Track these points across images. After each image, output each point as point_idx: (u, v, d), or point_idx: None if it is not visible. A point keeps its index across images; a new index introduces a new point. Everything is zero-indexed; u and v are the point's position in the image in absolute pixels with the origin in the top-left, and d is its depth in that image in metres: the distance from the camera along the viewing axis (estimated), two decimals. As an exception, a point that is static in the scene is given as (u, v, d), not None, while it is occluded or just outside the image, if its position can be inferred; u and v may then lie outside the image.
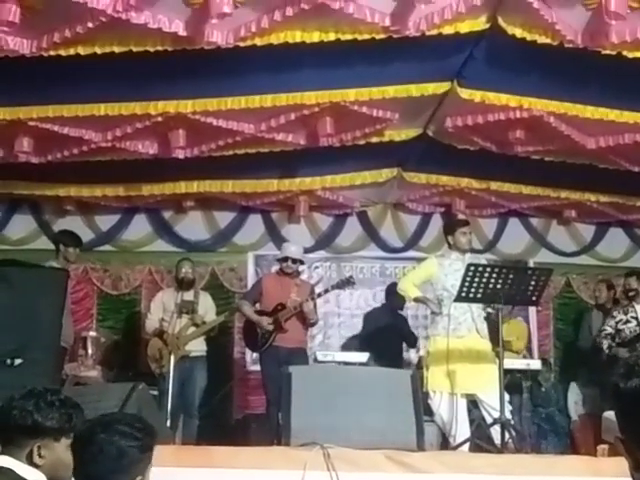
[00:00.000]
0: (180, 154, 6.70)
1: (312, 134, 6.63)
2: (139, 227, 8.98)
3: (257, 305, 7.10)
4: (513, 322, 8.08)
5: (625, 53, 5.10)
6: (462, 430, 5.55)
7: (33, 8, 4.53)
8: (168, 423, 6.08)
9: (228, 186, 8.07)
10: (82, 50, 5.02)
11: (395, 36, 5.01)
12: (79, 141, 6.57)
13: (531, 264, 8.90)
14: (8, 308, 4.67)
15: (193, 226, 9.01)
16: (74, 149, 6.75)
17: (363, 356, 7.24)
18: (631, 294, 7.53)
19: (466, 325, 5.81)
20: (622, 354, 7.24)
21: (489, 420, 5.52)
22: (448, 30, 5.04)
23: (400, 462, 3.88)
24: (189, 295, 7.26)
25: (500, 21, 5.03)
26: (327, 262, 9.18)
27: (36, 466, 2.59)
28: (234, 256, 9.11)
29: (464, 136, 6.84)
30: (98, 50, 5.03)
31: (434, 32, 4.99)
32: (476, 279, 5.33)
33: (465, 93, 5.95)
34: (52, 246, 7.10)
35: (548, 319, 9.34)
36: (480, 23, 5.11)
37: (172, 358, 6.69)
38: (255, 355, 7.71)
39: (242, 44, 4.99)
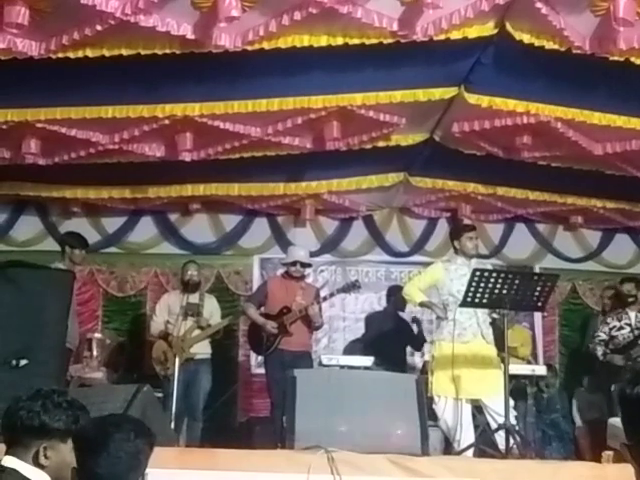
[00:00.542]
0: (187, 157, 6.71)
1: (319, 138, 6.63)
2: (145, 229, 9.00)
3: (262, 308, 7.10)
4: (517, 329, 8.06)
5: (633, 59, 5.10)
6: (467, 435, 5.54)
7: (42, 10, 4.55)
8: (172, 425, 6.08)
9: (234, 189, 8.08)
10: (90, 53, 5.04)
11: (403, 41, 5.01)
12: (86, 143, 6.58)
13: (537, 270, 8.88)
14: (14, 309, 4.68)
15: (199, 229, 9.01)
16: (81, 151, 6.77)
17: (368, 360, 7.23)
18: (630, 300, 7.55)
19: (471, 330, 5.81)
20: (617, 361, 7.27)
21: (494, 426, 5.52)
22: (456, 35, 5.04)
23: (404, 466, 3.88)
24: (194, 298, 7.28)
25: (508, 26, 5.03)
26: (332, 266, 9.18)
27: (42, 467, 2.60)
28: (240, 259, 9.12)
29: (471, 141, 6.84)
30: (106, 53, 5.04)
31: (442, 37, 4.99)
32: (482, 284, 5.32)
33: (472, 98, 5.95)
34: (58, 248, 7.11)
35: (554, 325, 9.32)
36: (488, 28, 5.11)
37: (177, 360, 6.70)
38: (260, 358, 7.72)
39: (250, 48, 5.00)
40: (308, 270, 7.47)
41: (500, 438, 5.32)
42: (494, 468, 4.08)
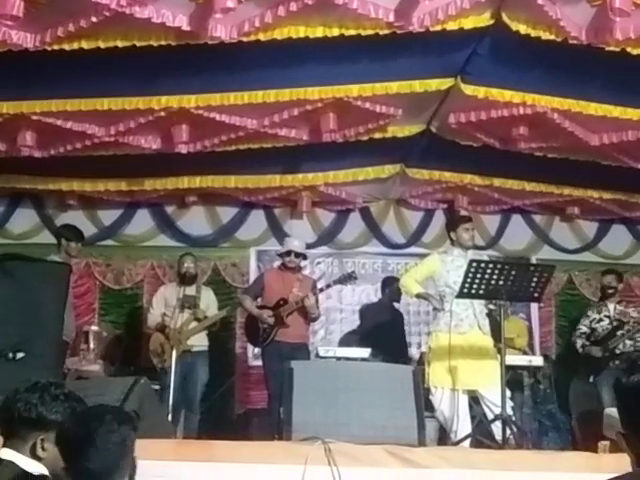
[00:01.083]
0: (183, 149, 6.70)
1: (315, 130, 6.63)
2: (141, 222, 8.99)
3: (259, 300, 7.10)
4: (513, 320, 8.08)
5: (629, 50, 5.09)
6: (463, 426, 5.56)
7: (37, 2, 4.53)
8: (170, 417, 6.09)
9: (231, 181, 8.07)
10: (86, 44, 5.02)
11: (399, 32, 5.00)
12: (82, 135, 6.57)
13: (533, 261, 8.89)
14: (10, 302, 4.68)
15: (195, 221, 9.01)
16: (77, 143, 6.75)
17: (365, 351, 7.24)
18: (609, 291, 7.65)
19: (468, 321, 5.82)
20: (595, 352, 7.40)
21: (490, 416, 5.53)
22: (452, 26, 5.03)
23: (401, 457, 3.89)
24: (191, 290, 7.27)
25: (504, 17, 5.03)
26: (329, 258, 9.18)
27: (39, 459, 2.60)
28: (236, 251, 9.12)
29: (467, 132, 6.84)
30: (102, 44, 5.03)
31: (438, 28, 4.98)
32: (478, 275, 5.33)
33: (469, 89, 5.94)
34: (54, 240, 7.11)
35: (550, 316, 9.34)
36: (484, 19, 5.10)
37: (174, 353, 6.71)
38: (257, 350, 7.73)
39: (246, 39, 4.99)
40: (304, 262, 7.47)
41: (497, 429, 5.34)
42: (491, 458, 4.09)
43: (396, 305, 8.28)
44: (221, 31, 4.83)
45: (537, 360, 7.61)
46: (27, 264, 5.12)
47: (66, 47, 5.02)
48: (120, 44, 5.03)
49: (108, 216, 8.91)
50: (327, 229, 9.17)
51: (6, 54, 4.97)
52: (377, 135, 6.97)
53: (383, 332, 7.82)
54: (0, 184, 8.13)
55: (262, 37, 5.03)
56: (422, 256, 7.10)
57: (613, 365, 7.23)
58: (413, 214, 9.26)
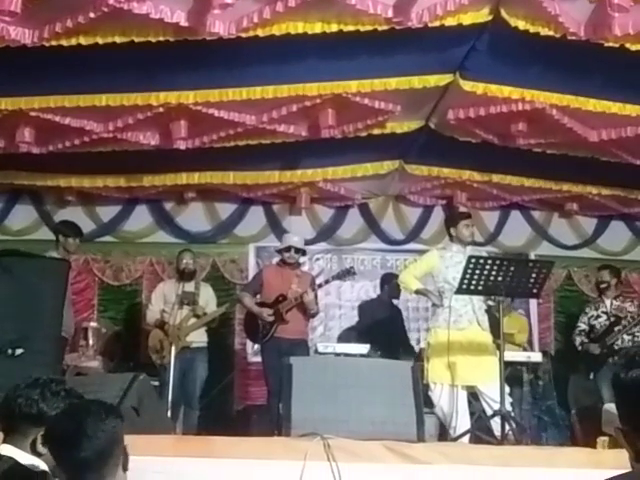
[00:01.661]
0: (181, 145, 6.69)
1: (314, 126, 6.62)
2: (140, 218, 8.98)
3: (258, 296, 7.11)
4: (514, 316, 8.09)
5: (628, 46, 5.09)
6: (462, 422, 5.57)
7: (35, -2, 4.53)
8: (169, 414, 6.09)
9: (229, 177, 8.06)
10: (84, 40, 5.01)
11: (397, 27, 4.99)
12: (80, 132, 6.56)
13: (532, 257, 8.90)
14: (9, 298, 4.67)
15: (194, 217, 9.00)
16: (75, 139, 6.75)
17: (364, 347, 7.25)
18: (602, 286, 7.65)
19: (467, 317, 5.83)
20: (593, 350, 7.40)
21: (489, 412, 5.53)
22: (451, 22, 5.03)
23: (400, 453, 3.88)
24: (190, 286, 7.27)
25: (503, 13, 5.02)
26: (328, 254, 9.19)
27: (39, 455, 2.61)
28: (235, 248, 9.12)
29: (466, 128, 6.83)
30: (100, 40, 5.02)
31: (437, 24, 4.98)
32: (477, 271, 5.33)
33: (467, 85, 5.93)
34: (53, 237, 7.10)
35: (549, 312, 9.35)
36: (483, 15, 5.09)
37: (173, 349, 6.72)
38: (256, 346, 7.73)
39: (244, 35, 4.98)
40: (303, 258, 7.48)
41: (496, 424, 5.34)
42: (490, 454, 4.09)
43: (395, 301, 8.29)
44: (219, 27, 4.82)
45: (536, 356, 7.62)
46: (26, 260, 5.11)
47: (64, 43, 5.01)
48: (118, 40, 5.02)
49: (107, 212, 8.90)
50: (326, 225, 9.17)
51: (4, 50, 4.96)
52: (376, 131, 6.97)
53: (382, 328, 7.83)
54: (-2, 180, 8.14)
55: (260, 33, 5.02)
56: (421, 252, 7.11)
57: (612, 361, 7.25)
58: (412, 210, 9.26)
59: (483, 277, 5.34)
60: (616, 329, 7.44)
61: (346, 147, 7.23)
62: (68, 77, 5.67)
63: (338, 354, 7.09)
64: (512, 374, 6.98)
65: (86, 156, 7.18)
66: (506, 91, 5.95)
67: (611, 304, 7.68)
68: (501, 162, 7.76)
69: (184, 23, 4.80)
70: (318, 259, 9.12)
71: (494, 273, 5.32)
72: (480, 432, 5.47)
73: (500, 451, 4.37)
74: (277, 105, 6.22)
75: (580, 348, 7.64)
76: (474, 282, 5.37)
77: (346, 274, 7.14)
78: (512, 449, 4.63)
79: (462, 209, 8.19)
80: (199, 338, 7.25)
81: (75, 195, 8.61)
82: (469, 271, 5.34)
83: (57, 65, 5.39)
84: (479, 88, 5.93)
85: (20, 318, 4.63)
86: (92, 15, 4.61)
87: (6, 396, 2.71)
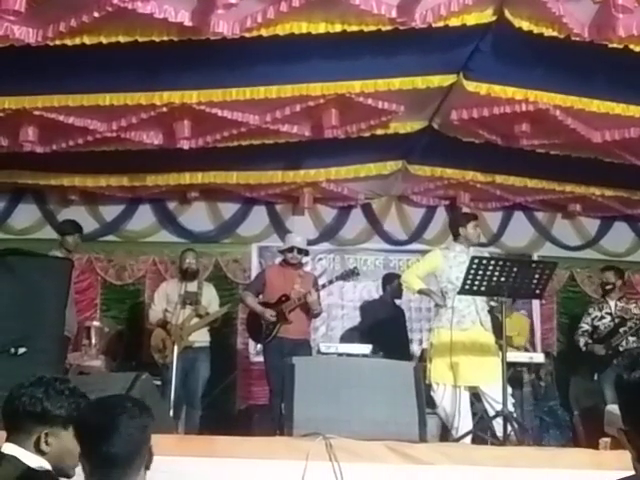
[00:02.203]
0: (185, 145, 6.70)
1: (317, 126, 6.62)
2: (143, 218, 8.99)
3: (260, 296, 7.11)
4: (515, 317, 8.08)
5: (632, 47, 5.09)
6: (465, 422, 5.56)
7: (39, -3, 4.54)
8: (171, 413, 6.09)
9: (232, 177, 8.07)
10: (88, 40, 5.02)
11: (401, 28, 5.00)
12: (84, 131, 6.57)
13: (535, 258, 8.89)
14: (12, 297, 4.68)
15: (197, 217, 9.01)
16: (79, 139, 6.75)
17: (366, 348, 7.25)
18: (608, 287, 7.64)
19: (470, 318, 5.83)
20: (598, 350, 7.39)
21: (491, 413, 5.54)
22: (455, 22, 5.03)
23: (402, 453, 3.89)
24: (193, 286, 7.28)
25: (507, 14, 5.02)
26: (331, 254, 9.19)
27: (42, 453, 2.60)
28: (238, 247, 9.12)
29: (469, 129, 6.83)
30: (104, 40, 5.03)
31: (440, 24, 4.98)
32: (480, 272, 5.33)
33: (471, 86, 5.93)
34: (56, 236, 7.12)
35: (552, 313, 9.35)
36: (487, 15, 5.10)
37: (175, 348, 6.71)
38: (258, 346, 7.72)
39: (248, 35, 4.99)
40: (306, 258, 7.47)
41: (498, 425, 5.34)
42: (492, 455, 4.09)
43: (397, 302, 8.28)
44: (223, 27, 4.83)
45: (538, 357, 7.62)
46: (29, 259, 5.11)
47: (68, 42, 5.02)
48: (122, 39, 5.03)
49: (110, 212, 8.91)
50: (329, 225, 9.17)
51: (8, 49, 4.97)
52: (379, 131, 6.97)
53: (384, 328, 7.83)
54: (2, 179, 8.13)
55: (264, 33, 5.03)
56: (424, 253, 7.09)
57: (617, 362, 7.23)
58: (415, 211, 9.26)
59: (486, 278, 5.33)
60: (621, 330, 7.43)
61: (349, 147, 7.23)
62: (72, 76, 5.67)
63: (340, 354, 7.09)
64: (514, 375, 6.98)
65: (89, 155, 7.18)
66: (510, 92, 5.95)
67: (615, 305, 7.67)
68: (504, 163, 7.76)
69: (188, 23, 4.81)
70: (321, 259, 9.12)
71: (497, 274, 5.32)
72: (482, 433, 5.47)
73: (502, 452, 4.37)
74: (280, 105, 6.23)
75: (584, 349, 7.62)
76: (477, 283, 5.37)
77: (350, 275, 7.14)
78: (514, 450, 4.62)
79: (465, 210, 8.19)
80: (201, 338, 7.25)
81: (78, 194, 8.63)
82: (472, 272, 5.34)
83: (61, 64, 5.39)
84: (483, 89, 5.93)
85: (23, 317, 4.64)
86: (96, 15, 4.62)
87: (10, 394, 2.71)
